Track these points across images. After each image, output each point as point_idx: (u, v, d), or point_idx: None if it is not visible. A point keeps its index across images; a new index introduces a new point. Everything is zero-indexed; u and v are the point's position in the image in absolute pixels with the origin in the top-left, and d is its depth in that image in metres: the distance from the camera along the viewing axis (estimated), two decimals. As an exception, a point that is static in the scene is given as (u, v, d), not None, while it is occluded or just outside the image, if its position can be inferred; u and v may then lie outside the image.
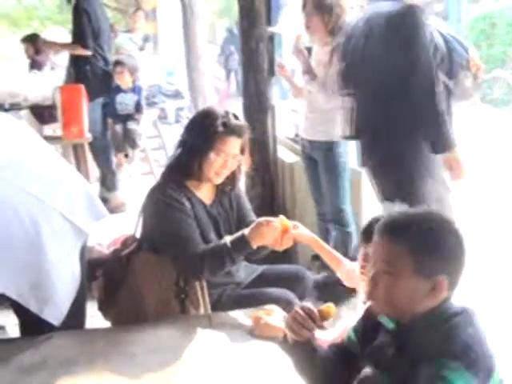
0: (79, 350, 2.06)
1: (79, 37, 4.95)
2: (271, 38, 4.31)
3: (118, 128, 5.61)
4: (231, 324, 2.24)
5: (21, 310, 2.21)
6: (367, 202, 3.71)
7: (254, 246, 2.36)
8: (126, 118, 5.65)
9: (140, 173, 6.01)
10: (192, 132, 2.59)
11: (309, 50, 3.80)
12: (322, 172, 3.79)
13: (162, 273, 2.49)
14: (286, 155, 4.53)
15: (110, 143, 5.42)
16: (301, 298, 2.64)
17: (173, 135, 6.84)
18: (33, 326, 2.21)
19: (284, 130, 4.71)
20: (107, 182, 5.33)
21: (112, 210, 4.74)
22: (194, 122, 2.65)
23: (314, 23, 3.63)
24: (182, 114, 7.34)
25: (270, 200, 4.45)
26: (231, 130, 2.50)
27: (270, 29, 4.26)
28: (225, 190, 2.69)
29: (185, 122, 7.83)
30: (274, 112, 4.40)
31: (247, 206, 2.82)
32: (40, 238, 2.15)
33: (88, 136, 4.90)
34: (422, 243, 1.42)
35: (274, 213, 4.23)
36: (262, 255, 2.64)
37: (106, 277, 2.68)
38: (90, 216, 2.39)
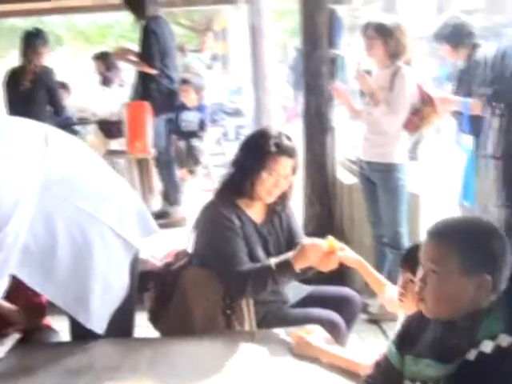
0: (124, 357, 2.14)
1: (147, 56, 5.09)
2: (333, 59, 4.36)
3: (182, 144, 5.76)
4: (273, 341, 2.26)
5: (72, 316, 2.31)
6: (424, 227, 3.69)
7: (298, 269, 2.39)
8: (189, 135, 5.80)
9: (202, 189, 6.12)
10: (245, 151, 2.67)
11: (368, 72, 3.84)
12: (379, 194, 3.80)
13: (209, 288, 2.54)
14: (346, 176, 4.55)
15: (173, 159, 5.54)
16: (348, 321, 2.64)
17: (233, 152, 6.95)
18: (82, 331, 2.29)
19: (345, 150, 4.73)
20: (170, 196, 5.45)
21: (172, 224, 4.87)
22: (248, 141, 2.73)
23: (375, 47, 3.69)
24: (242, 131, 7.47)
25: (327, 221, 4.47)
26: (283, 151, 2.55)
27: (333, 51, 4.30)
28: (276, 209, 2.73)
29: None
30: (334, 133, 4.44)
31: (297, 226, 2.86)
32: (90, 252, 2.23)
33: (152, 151, 5.07)
34: (469, 244, 1.51)
35: (331, 233, 4.28)
36: (308, 275, 2.66)
37: (158, 289, 2.76)
38: (141, 231, 2.45)
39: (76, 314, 2.24)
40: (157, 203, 5.71)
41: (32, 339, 2.48)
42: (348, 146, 4.76)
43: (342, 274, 2.57)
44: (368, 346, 3.30)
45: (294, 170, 2.63)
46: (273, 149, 2.54)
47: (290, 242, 2.72)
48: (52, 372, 2.04)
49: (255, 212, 2.69)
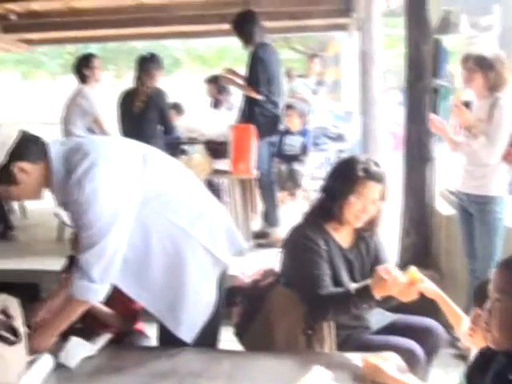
0: (206, 365, 2.27)
1: (253, 82, 5.23)
2: (436, 90, 4.37)
3: (284, 167, 5.88)
4: (350, 365, 2.29)
5: (161, 324, 2.49)
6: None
7: (377, 297, 2.42)
8: (291, 159, 5.92)
9: (301, 211, 6.19)
10: (334, 177, 2.75)
11: (467, 104, 3.83)
12: (476, 226, 3.78)
13: (293, 308, 2.62)
14: (444, 207, 4.53)
15: (274, 181, 5.66)
16: (429, 353, 2.63)
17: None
18: (170, 338, 2.46)
19: (444, 181, 4.71)
20: (269, 217, 5.56)
21: (271, 245, 4.98)
22: (337, 167, 2.81)
23: (475, 79, 3.71)
24: (342, 156, 7.47)
25: (423, 251, 4.46)
26: (371, 175, 2.62)
27: (436, 81, 4.31)
28: (363, 235, 2.79)
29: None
30: (434, 164, 4.43)
31: (385, 255, 2.88)
32: (181, 265, 2.40)
33: (254, 173, 5.22)
34: None
35: (426, 264, 4.27)
36: (391, 304, 2.69)
37: (244, 305, 2.89)
38: (230, 248, 2.59)
39: (166, 322, 2.42)
40: (257, 223, 5.87)
41: (124, 341, 2.67)
42: (448, 176, 4.73)
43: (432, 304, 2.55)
44: (452, 382, 3.25)
45: (382, 196, 2.67)
46: (361, 173, 2.61)
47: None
48: (138, 373, 2.19)
49: (342, 237, 2.75)
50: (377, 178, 2.64)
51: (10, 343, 2.03)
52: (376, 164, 2.69)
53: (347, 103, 10.26)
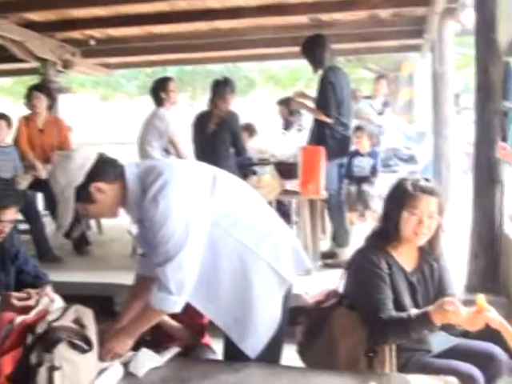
0: (268, 380, 2.35)
1: (323, 105, 5.33)
2: (506, 112, 4.33)
3: (353, 189, 5.91)
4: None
5: (227, 339, 2.59)
6: None
7: (437, 324, 2.43)
8: (361, 180, 5.94)
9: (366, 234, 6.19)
10: (387, 201, 2.81)
11: None
12: None
13: (355, 329, 2.67)
14: (514, 231, 4.47)
15: (343, 202, 5.70)
16: (490, 380, 2.61)
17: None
18: (234, 353, 2.56)
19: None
20: (338, 237, 5.60)
21: (338, 265, 5.00)
22: (389, 192, 2.85)
23: None
24: None
25: (492, 275, 4.41)
26: (421, 189, 2.66)
27: (506, 103, 4.28)
28: (428, 258, 2.81)
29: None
30: (504, 186, 4.39)
31: (450, 280, 2.86)
32: (248, 281, 2.51)
33: (323, 193, 5.28)
34: None
35: (495, 289, 4.22)
36: (455, 330, 2.69)
37: (307, 324, 2.95)
38: (295, 267, 2.66)
39: (232, 335, 2.53)
40: (326, 243, 5.92)
41: (190, 354, 2.78)
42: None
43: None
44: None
45: (439, 211, 2.69)
46: (410, 188, 2.66)
47: (440, 294, 2.75)
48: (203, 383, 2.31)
49: (406, 259, 2.77)
50: (428, 191, 2.67)
51: (83, 351, 2.17)
52: (426, 180, 2.74)
53: (420, 124, 10.16)
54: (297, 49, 6.56)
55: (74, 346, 2.14)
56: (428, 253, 2.80)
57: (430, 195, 2.67)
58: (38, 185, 5.93)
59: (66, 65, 8.73)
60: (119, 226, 6.96)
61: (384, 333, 2.57)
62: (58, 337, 2.11)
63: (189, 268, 2.37)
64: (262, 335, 2.55)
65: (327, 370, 2.54)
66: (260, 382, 2.34)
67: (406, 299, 2.70)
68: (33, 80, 13.04)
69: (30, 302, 2.82)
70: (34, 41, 7.91)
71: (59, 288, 3.18)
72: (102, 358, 2.37)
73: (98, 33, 8.32)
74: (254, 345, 2.53)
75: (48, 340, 2.10)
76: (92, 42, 8.39)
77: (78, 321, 2.25)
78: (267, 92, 18.13)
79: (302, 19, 7.77)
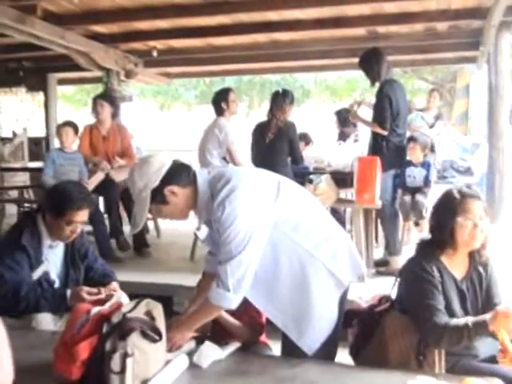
0: (323, 375, 2.49)
1: (379, 118, 5.44)
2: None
3: (407, 198, 5.98)
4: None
5: (284, 336, 2.75)
6: None
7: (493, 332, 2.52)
8: (414, 190, 6.00)
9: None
10: (436, 213, 2.93)
11: None
12: None
13: (407, 333, 2.79)
14: None
15: (397, 212, 5.79)
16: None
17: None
18: (292, 350, 2.72)
19: None
20: (390, 246, 5.68)
21: (390, 273, 5.10)
22: (435, 205, 2.98)
23: None
24: None
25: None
26: (468, 195, 2.80)
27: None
28: (477, 266, 2.91)
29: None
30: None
31: (497, 287, 2.95)
32: (306, 283, 2.66)
33: (378, 203, 5.39)
34: None
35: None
36: None
37: (360, 327, 3.08)
38: (351, 271, 2.81)
39: (290, 333, 2.70)
40: (378, 252, 6.01)
41: (249, 350, 2.94)
42: None
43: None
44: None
45: (485, 213, 2.81)
46: (458, 195, 2.79)
47: (487, 302, 2.87)
48: (262, 378, 2.44)
49: (456, 267, 2.88)
50: (475, 195, 2.82)
51: (153, 341, 2.36)
52: (468, 187, 2.90)
53: (475, 135, 10.14)
54: (353, 60, 6.68)
55: (145, 336, 2.32)
56: (477, 260, 2.91)
57: (477, 199, 2.81)
58: (98, 189, 6.19)
59: (129, 74, 9.06)
60: (177, 230, 7.24)
61: (439, 337, 2.66)
62: (131, 326, 2.29)
63: (247, 268, 2.54)
64: (319, 334, 2.70)
65: (380, 368, 2.66)
66: (317, 376, 2.47)
67: (456, 307, 2.81)
68: (94, 88, 13.51)
69: (101, 296, 3.05)
70: (98, 51, 8.26)
71: (120, 287, 3.40)
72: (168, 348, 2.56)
73: (160, 44, 8.62)
74: (311, 343, 2.69)
75: (123, 329, 2.29)
76: (155, 53, 8.69)
77: (149, 313, 2.44)
78: (323, 102, 18.25)
79: (359, 31, 7.92)
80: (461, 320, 2.67)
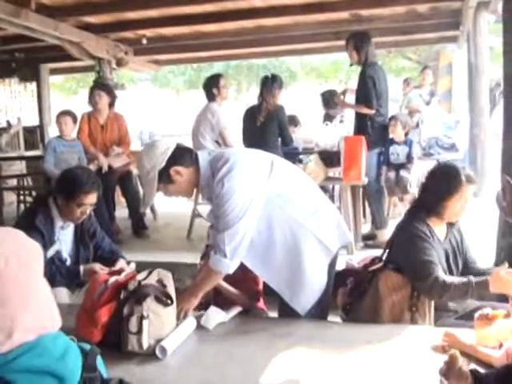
0: (317, 331, 2.81)
1: (364, 98, 5.75)
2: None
3: (391, 175, 6.26)
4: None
5: (280, 299, 3.07)
6: None
7: (492, 291, 2.78)
8: (398, 167, 6.28)
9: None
10: (438, 179, 3.19)
11: None
12: None
13: (400, 288, 3.09)
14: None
15: (382, 188, 6.08)
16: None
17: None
18: (287, 311, 3.05)
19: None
20: (376, 220, 5.97)
21: (378, 246, 5.37)
22: (441, 171, 3.25)
23: None
24: None
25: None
26: (471, 180, 3.12)
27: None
28: (452, 230, 3.28)
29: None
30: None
31: (467, 243, 3.37)
32: (298, 250, 2.98)
33: (364, 180, 5.67)
34: None
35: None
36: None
37: (353, 285, 3.36)
38: (338, 240, 3.14)
39: (284, 295, 3.02)
40: (366, 227, 6.32)
41: (249, 314, 3.25)
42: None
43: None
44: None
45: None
46: (464, 178, 3.10)
47: (465, 263, 3.30)
48: (261, 335, 2.76)
49: (440, 230, 3.22)
50: (474, 181, 3.16)
51: (165, 305, 2.66)
52: (468, 168, 3.22)
53: (459, 112, 10.42)
54: (338, 43, 6.92)
55: (158, 301, 2.63)
56: (453, 226, 3.28)
57: (474, 184, 3.16)
58: (97, 175, 6.38)
59: (120, 62, 9.26)
60: (171, 213, 7.51)
61: (442, 292, 2.91)
62: (146, 292, 2.60)
63: (242, 237, 2.86)
64: (310, 296, 3.02)
65: (370, 323, 2.98)
66: (311, 332, 2.79)
67: (443, 264, 3.13)
68: (83, 78, 13.65)
69: (114, 269, 3.36)
70: (90, 41, 8.48)
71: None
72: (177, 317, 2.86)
73: (149, 32, 8.82)
74: (303, 304, 3.01)
75: (138, 295, 2.59)
76: (144, 41, 8.89)
77: (160, 281, 2.74)
78: (309, 84, 18.47)
79: (343, 15, 8.11)
80: (463, 278, 2.93)
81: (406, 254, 3.15)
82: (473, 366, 2.21)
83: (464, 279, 2.91)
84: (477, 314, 2.60)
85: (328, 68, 17.68)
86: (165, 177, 2.93)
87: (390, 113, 6.13)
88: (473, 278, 2.87)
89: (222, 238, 2.84)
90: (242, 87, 18.95)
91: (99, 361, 1.64)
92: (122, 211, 6.98)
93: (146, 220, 7.16)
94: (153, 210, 7.72)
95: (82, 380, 1.52)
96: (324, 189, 6.53)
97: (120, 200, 7.02)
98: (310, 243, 3.01)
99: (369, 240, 5.93)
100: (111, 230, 6.24)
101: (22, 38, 8.27)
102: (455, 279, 2.95)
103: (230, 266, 2.88)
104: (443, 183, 3.14)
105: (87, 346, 1.63)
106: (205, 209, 3.86)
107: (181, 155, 2.97)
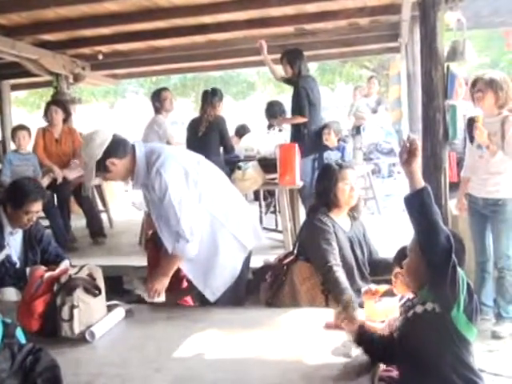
0: (232, 316, 3.24)
1: (298, 107, 6.21)
2: (447, 108, 5.06)
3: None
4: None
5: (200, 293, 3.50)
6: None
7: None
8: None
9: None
10: (319, 182, 3.79)
11: (471, 120, 4.51)
12: (492, 225, 4.46)
13: (312, 276, 3.56)
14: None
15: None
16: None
17: (385, 187, 7.68)
18: (207, 301, 3.48)
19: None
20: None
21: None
22: (317, 178, 3.92)
23: (486, 99, 4.33)
24: (394, 169, 8.10)
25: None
26: (344, 166, 3.69)
27: (447, 101, 4.99)
28: (355, 223, 3.75)
29: (396, 176, 8.73)
30: (446, 172, 5.14)
31: (368, 236, 3.83)
32: (215, 244, 3.42)
33: (299, 184, 5.95)
34: None
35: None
36: None
37: (272, 278, 3.76)
38: (253, 239, 3.62)
39: (198, 285, 3.46)
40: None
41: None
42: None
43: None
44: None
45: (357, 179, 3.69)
46: (336, 167, 3.65)
47: (369, 254, 3.74)
48: (183, 320, 3.21)
49: (343, 222, 3.69)
50: (350, 166, 3.73)
51: (94, 295, 3.04)
52: (343, 161, 3.83)
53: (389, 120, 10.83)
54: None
55: (87, 291, 3.02)
56: (355, 219, 3.76)
57: (351, 169, 3.69)
58: (52, 186, 6.63)
59: (77, 78, 9.49)
60: (126, 221, 7.84)
61: (332, 287, 3.36)
62: (76, 284, 2.99)
63: (192, 216, 3.27)
64: (220, 285, 3.46)
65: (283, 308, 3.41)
66: (226, 317, 3.23)
67: (347, 252, 3.58)
68: (46, 92, 13.81)
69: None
70: (47, 58, 8.72)
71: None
72: (149, 296, 3.33)
73: (105, 48, 9.08)
74: (214, 291, 3.45)
75: (69, 287, 2.98)
76: (100, 57, 9.12)
77: (90, 275, 3.13)
78: (267, 93, 18.75)
79: (288, 29, 8.44)
80: (346, 289, 3.25)
81: (309, 246, 3.59)
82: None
83: (345, 291, 3.22)
84: (363, 290, 3.08)
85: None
86: (102, 167, 3.33)
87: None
88: (349, 296, 3.11)
89: (180, 225, 3.23)
90: (199, 98, 19.12)
91: (19, 332, 2.05)
92: (78, 221, 7.27)
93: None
94: (109, 217, 8.01)
95: (2, 344, 1.93)
96: (270, 193, 6.95)
97: (74, 209, 7.29)
98: (226, 239, 3.45)
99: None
100: (66, 238, 6.52)
101: (-20, 57, 8.49)
102: (342, 284, 3.29)
103: (192, 248, 3.30)
104: (324, 178, 3.72)
105: (9, 321, 2.04)
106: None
107: (117, 147, 3.35)
